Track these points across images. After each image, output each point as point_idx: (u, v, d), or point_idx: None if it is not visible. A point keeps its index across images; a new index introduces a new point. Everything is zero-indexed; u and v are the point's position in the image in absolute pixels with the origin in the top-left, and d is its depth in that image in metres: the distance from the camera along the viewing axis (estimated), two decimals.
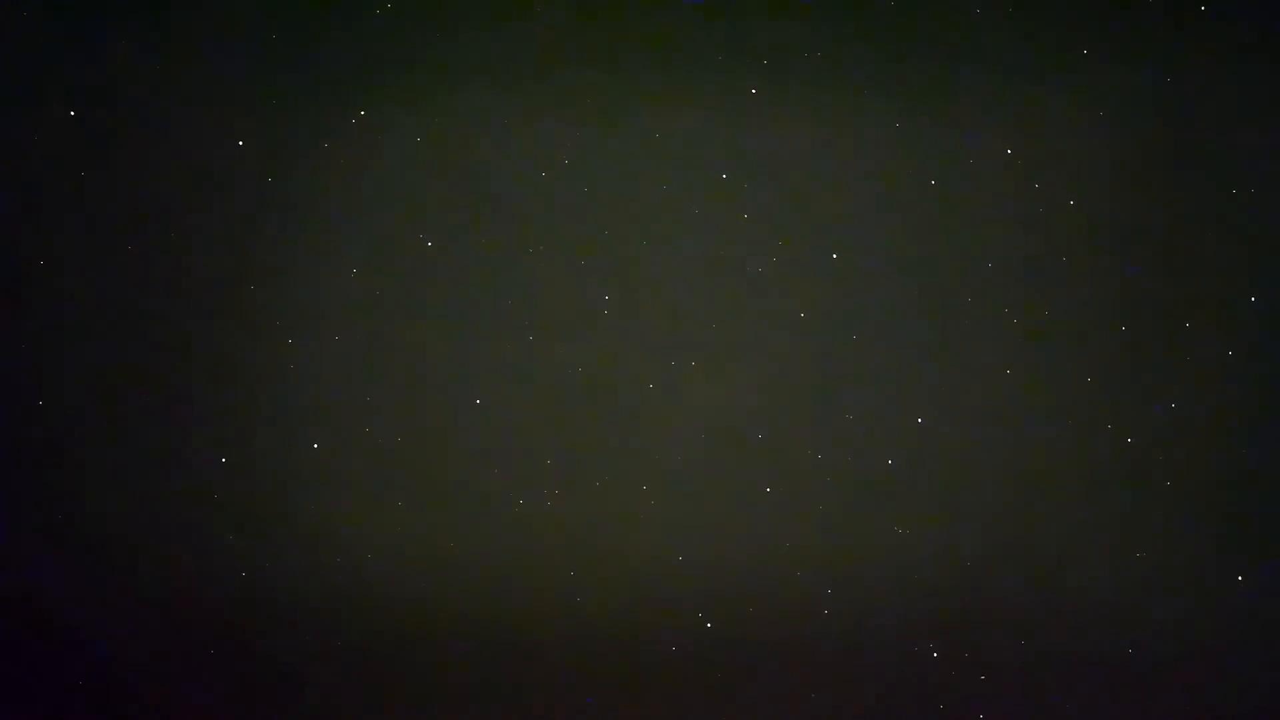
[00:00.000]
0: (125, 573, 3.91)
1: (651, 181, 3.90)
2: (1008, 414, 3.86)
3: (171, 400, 3.91)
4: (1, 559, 3.90)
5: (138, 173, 3.90)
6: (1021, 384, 3.85)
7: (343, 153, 3.89)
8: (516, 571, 3.91)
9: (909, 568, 3.87)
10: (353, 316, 3.93)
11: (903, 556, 3.87)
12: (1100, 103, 3.79)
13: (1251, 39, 3.74)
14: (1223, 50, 3.75)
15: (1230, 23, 3.74)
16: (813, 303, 3.89)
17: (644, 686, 3.88)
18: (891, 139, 3.83)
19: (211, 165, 3.90)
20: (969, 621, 3.85)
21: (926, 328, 3.87)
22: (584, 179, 3.91)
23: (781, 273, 3.90)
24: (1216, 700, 3.78)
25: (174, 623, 3.91)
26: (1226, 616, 3.78)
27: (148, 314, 3.91)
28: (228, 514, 3.91)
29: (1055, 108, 3.79)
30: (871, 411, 3.89)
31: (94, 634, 3.91)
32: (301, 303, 3.92)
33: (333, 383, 3.93)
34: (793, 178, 3.88)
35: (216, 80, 3.89)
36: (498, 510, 3.93)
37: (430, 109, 3.89)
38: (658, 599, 3.89)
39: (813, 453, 3.90)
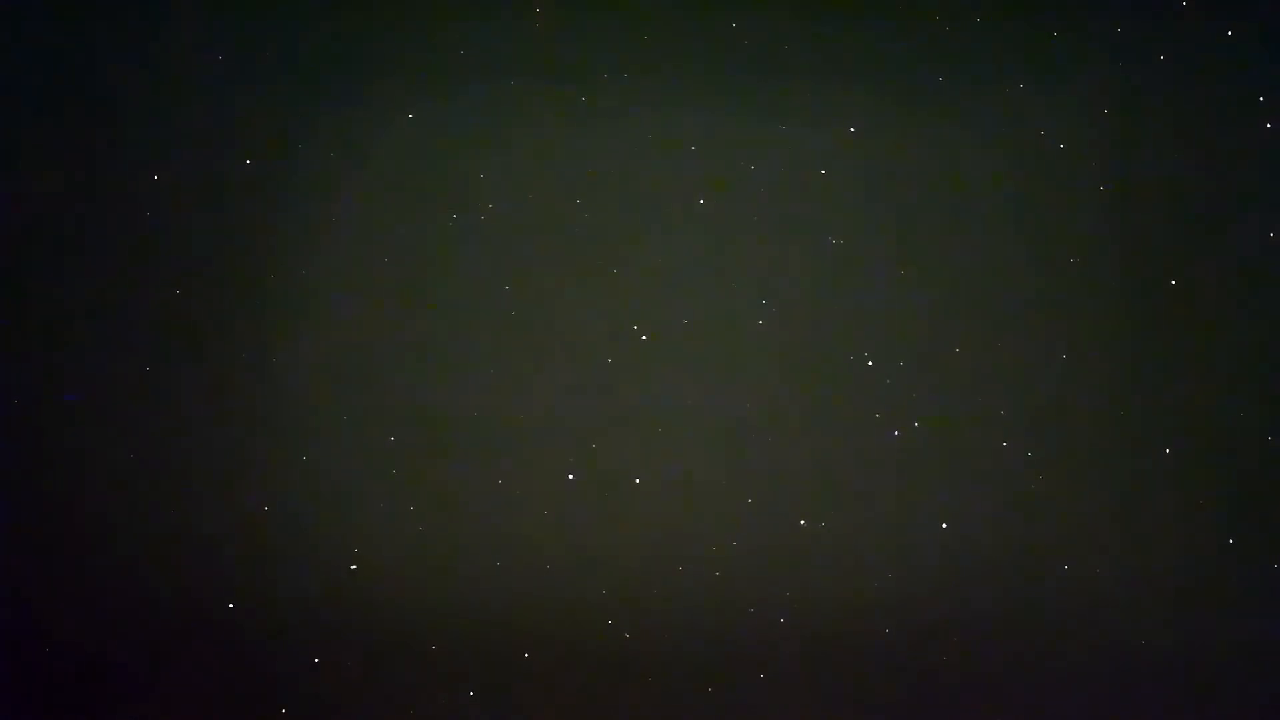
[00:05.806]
0: (122, 574, 3.89)
1: (651, 180, 3.90)
2: (1008, 413, 3.86)
3: (168, 400, 3.90)
4: None
5: (137, 172, 3.90)
6: (1021, 383, 3.85)
7: (342, 151, 3.89)
8: (514, 571, 3.90)
9: (909, 568, 3.86)
10: (351, 316, 3.92)
11: (903, 556, 3.87)
12: (1100, 103, 3.80)
13: (1252, 38, 3.76)
14: (1223, 50, 3.76)
15: (1230, 21, 3.76)
16: (813, 302, 3.90)
17: (644, 686, 3.87)
18: (891, 138, 3.84)
19: (211, 164, 3.90)
20: (969, 621, 3.84)
21: (927, 327, 3.88)
22: (583, 178, 3.91)
23: (782, 271, 3.90)
24: (1217, 700, 3.78)
25: (171, 624, 3.89)
26: (1227, 616, 3.78)
27: (145, 314, 3.90)
28: (224, 514, 3.90)
29: (1054, 108, 3.81)
30: (871, 411, 3.89)
31: (91, 636, 3.89)
32: (300, 302, 3.91)
33: (330, 383, 3.92)
34: (793, 177, 3.88)
35: (216, 79, 3.89)
36: (497, 510, 3.92)
37: (430, 109, 3.89)
38: (657, 599, 3.88)
39: (812, 452, 3.90)
